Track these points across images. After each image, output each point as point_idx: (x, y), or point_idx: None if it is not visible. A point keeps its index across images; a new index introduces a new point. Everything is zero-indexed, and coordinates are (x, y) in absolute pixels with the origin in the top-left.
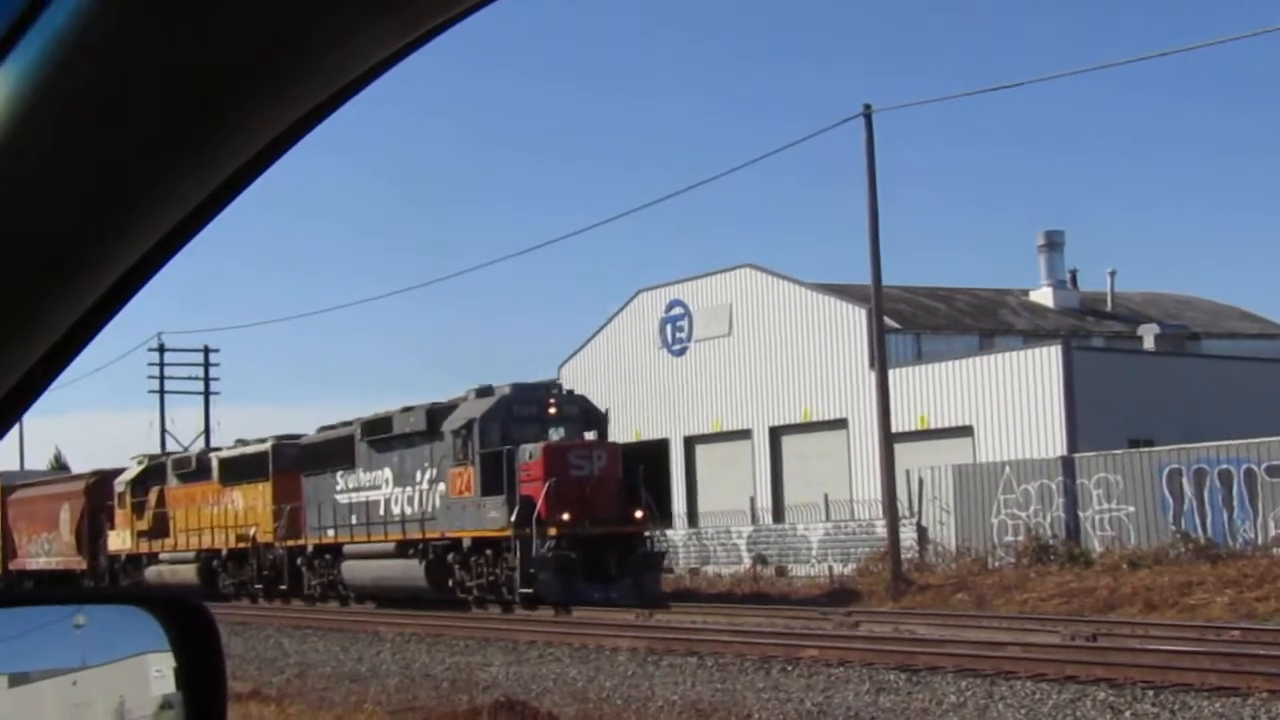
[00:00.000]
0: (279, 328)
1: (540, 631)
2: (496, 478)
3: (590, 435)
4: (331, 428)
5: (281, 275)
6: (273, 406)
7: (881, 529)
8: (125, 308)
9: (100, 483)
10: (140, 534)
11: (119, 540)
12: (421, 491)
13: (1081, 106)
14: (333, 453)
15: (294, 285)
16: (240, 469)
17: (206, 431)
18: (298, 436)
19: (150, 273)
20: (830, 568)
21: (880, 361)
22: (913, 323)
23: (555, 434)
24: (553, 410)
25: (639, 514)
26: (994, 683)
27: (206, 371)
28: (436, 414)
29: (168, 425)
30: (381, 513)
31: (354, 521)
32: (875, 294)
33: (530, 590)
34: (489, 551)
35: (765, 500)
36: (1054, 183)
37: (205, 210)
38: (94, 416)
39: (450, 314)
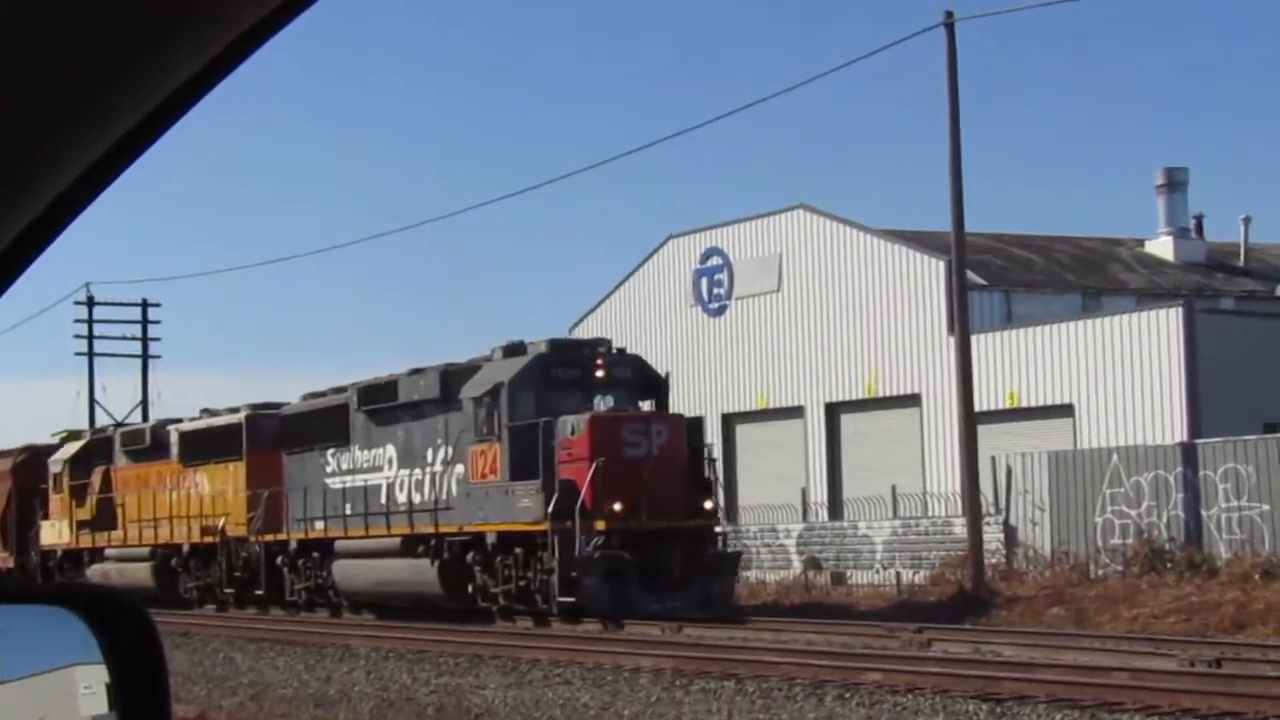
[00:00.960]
0: (234, 278)
1: (545, 648)
2: (529, 457)
3: (646, 405)
4: (320, 395)
5: (240, 215)
6: (227, 373)
7: (960, 528)
8: (44, 253)
9: (31, 461)
10: (81, 524)
11: (54, 533)
12: (434, 474)
13: (1209, 17)
14: (322, 426)
15: (255, 228)
16: (206, 445)
17: (144, 402)
18: (278, 406)
19: (72, 213)
20: (898, 574)
21: (961, 325)
22: (1002, 278)
23: (602, 403)
24: (600, 373)
25: (709, 504)
26: (1095, 715)
27: (145, 330)
28: (453, 377)
29: (98, 394)
30: (383, 501)
31: (349, 511)
32: (956, 242)
33: (572, 599)
34: (519, 550)
35: (819, 492)
36: (1176, 110)
37: (135, 141)
38: (6, 384)
39: (441, 265)
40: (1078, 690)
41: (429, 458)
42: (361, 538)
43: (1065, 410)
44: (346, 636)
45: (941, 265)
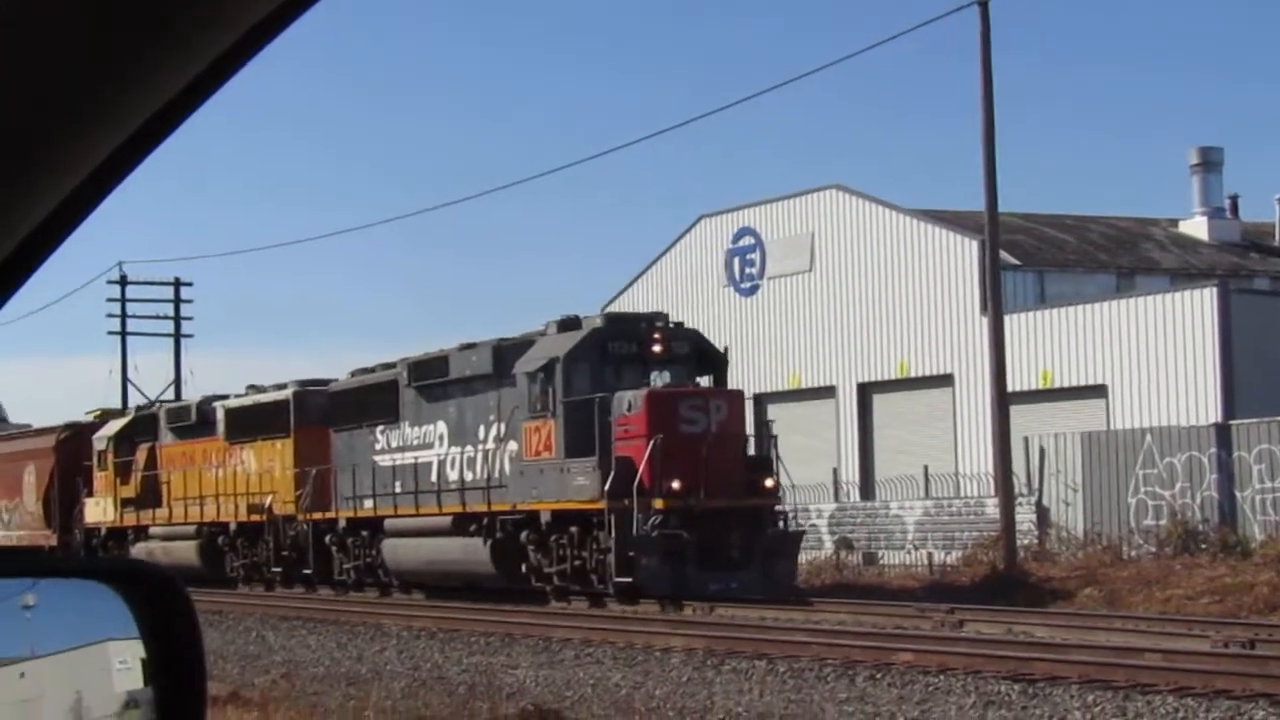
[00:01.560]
0: (266, 258)
1: (577, 627)
2: (585, 434)
3: (704, 381)
4: (369, 371)
5: (271, 197)
6: (259, 353)
7: (993, 509)
8: (77, 230)
9: (75, 438)
10: (125, 502)
11: (98, 510)
12: (486, 452)
13: None
14: (371, 402)
15: (286, 209)
16: (253, 422)
17: (177, 381)
18: (325, 382)
19: (104, 190)
20: (929, 555)
21: (995, 305)
22: (1035, 258)
23: (659, 379)
24: (658, 348)
25: (769, 482)
26: (1128, 697)
27: (177, 309)
28: (506, 352)
29: (130, 374)
30: (434, 478)
31: (398, 489)
32: (990, 221)
33: (629, 579)
34: (574, 529)
35: (851, 472)
36: (1210, 89)
37: (166, 119)
38: (40, 362)
39: (470, 246)
40: (1110, 671)
41: (481, 434)
42: (412, 516)
43: (1098, 391)
44: (379, 615)
45: (975, 245)
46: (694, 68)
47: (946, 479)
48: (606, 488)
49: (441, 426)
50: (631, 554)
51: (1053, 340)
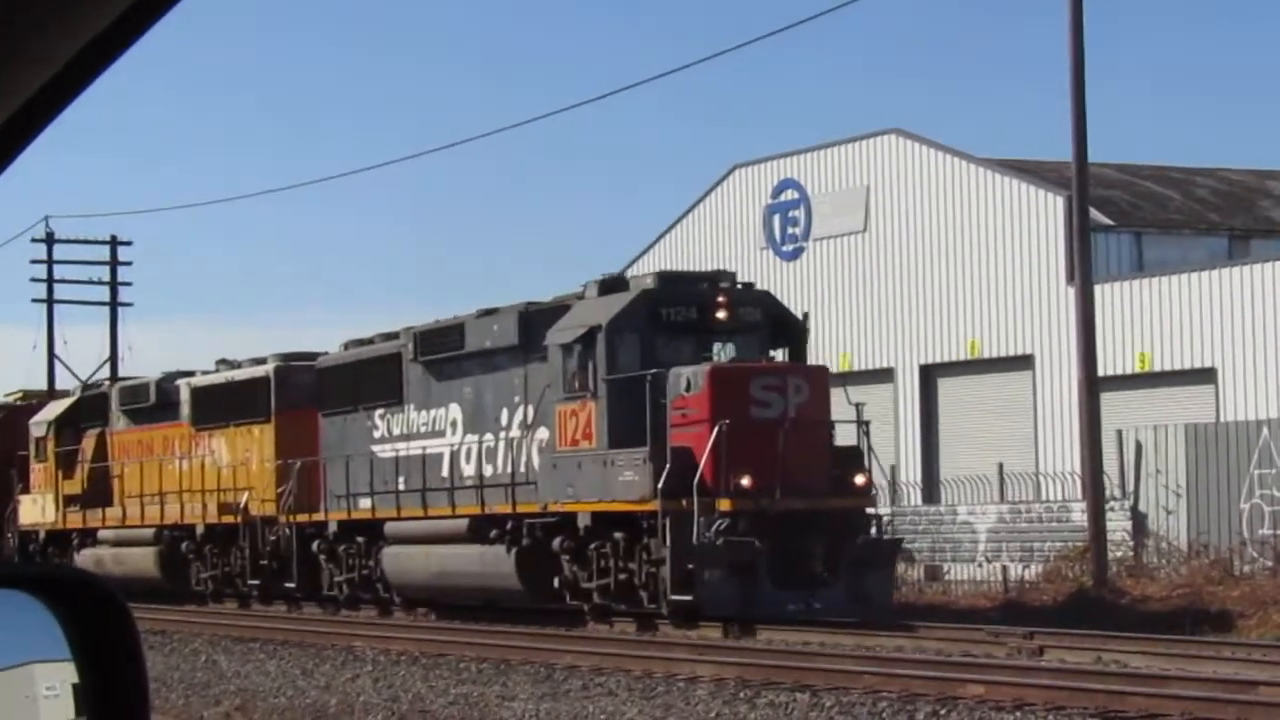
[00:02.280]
0: (221, 212)
1: (587, 652)
2: (634, 419)
3: (777, 355)
4: (365, 342)
5: (230, 144)
6: (213, 325)
7: (1080, 515)
8: None
9: (8, 423)
10: (69, 500)
11: (36, 509)
12: (510, 441)
13: None
14: (368, 380)
15: (248, 153)
16: (225, 404)
17: (113, 358)
18: (312, 356)
19: (28, 133)
20: (1004, 569)
21: (1083, 273)
22: (1132, 217)
23: (722, 352)
24: (722, 314)
25: (860, 479)
26: None
27: (114, 273)
28: (535, 319)
29: (58, 349)
30: (445, 473)
31: (402, 486)
32: (1078, 173)
33: (688, 597)
34: (619, 536)
35: (912, 471)
36: None
37: (99, 51)
38: None
39: (466, 196)
40: (1218, 708)
41: (503, 420)
42: (419, 519)
43: (1206, 375)
44: (350, 637)
45: (1060, 202)
46: None
47: (1025, 479)
48: (660, 485)
49: (455, 410)
50: (691, 566)
51: (1152, 315)
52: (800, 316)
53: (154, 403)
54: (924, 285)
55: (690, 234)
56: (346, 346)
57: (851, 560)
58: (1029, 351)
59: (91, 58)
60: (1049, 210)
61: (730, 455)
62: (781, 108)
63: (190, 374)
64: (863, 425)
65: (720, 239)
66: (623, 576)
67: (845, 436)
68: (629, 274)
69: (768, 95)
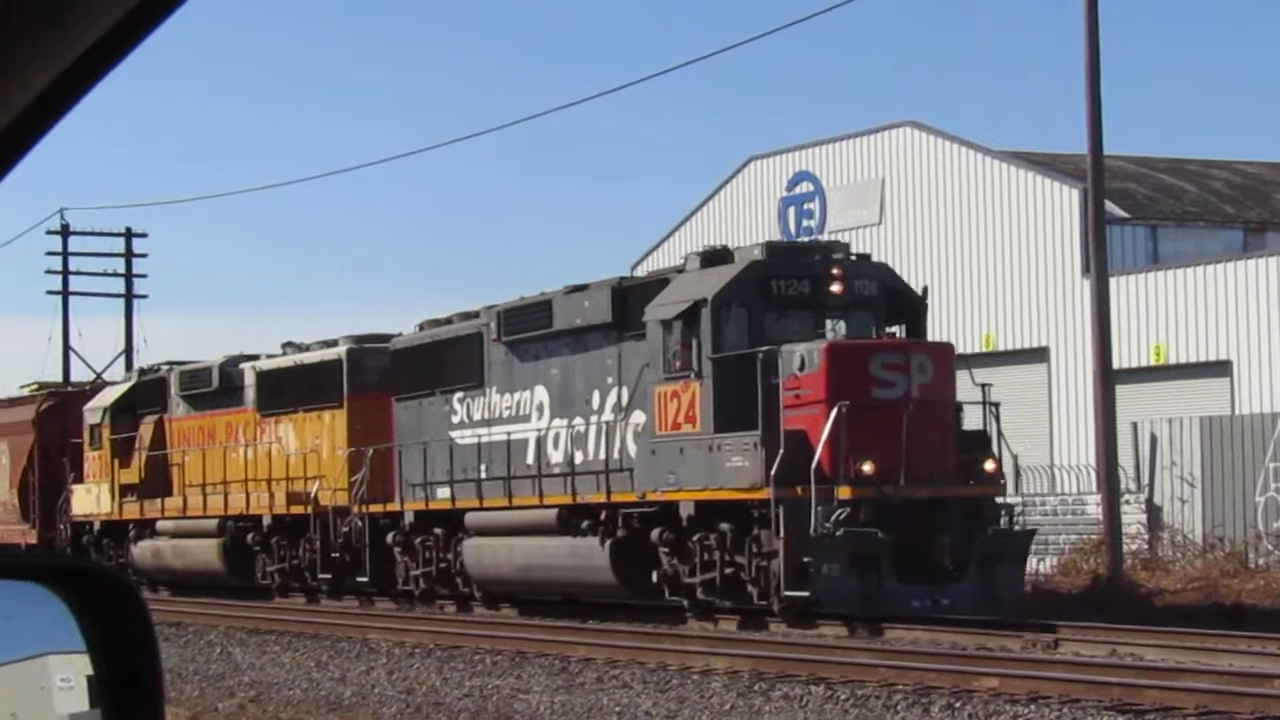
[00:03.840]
0: (237, 204)
1: (601, 644)
2: (743, 400)
3: (894, 333)
4: (443, 322)
5: (244, 132)
6: (229, 317)
7: (1094, 508)
8: (11, 172)
9: (60, 409)
10: (125, 490)
11: (90, 500)
12: (603, 425)
13: None
14: (447, 362)
15: (262, 148)
16: (294, 388)
17: (128, 350)
18: (387, 338)
19: (44, 125)
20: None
21: (1099, 266)
22: (1147, 210)
23: (834, 329)
24: (837, 287)
25: (989, 465)
26: None
27: (129, 265)
28: (631, 294)
29: (73, 341)
30: (531, 460)
31: (483, 474)
32: (1094, 166)
33: (804, 593)
34: (726, 527)
35: None
36: None
37: (105, 53)
38: None
39: (479, 189)
40: (1233, 701)
41: (595, 402)
42: (502, 509)
43: (1221, 368)
44: (365, 629)
45: (1076, 194)
46: None
47: (1039, 472)
48: (773, 472)
49: (541, 393)
50: (807, 559)
51: (1167, 308)
52: (920, 291)
53: (216, 387)
54: (938, 277)
55: (705, 226)
56: (422, 327)
57: (980, 553)
58: (1044, 344)
59: (105, 51)
60: (1064, 203)
61: (850, 439)
62: (797, 100)
63: (254, 357)
64: (991, 407)
65: (735, 230)
66: (728, 571)
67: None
68: (642, 268)
69: (783, 87)
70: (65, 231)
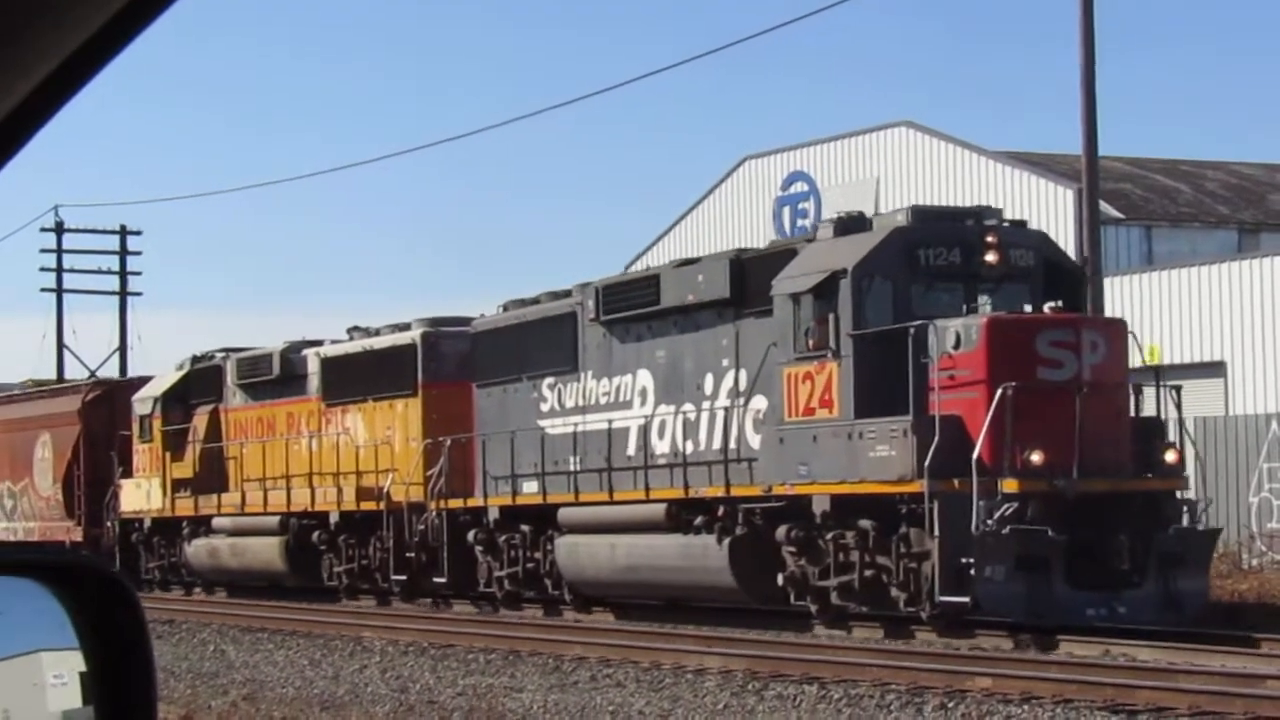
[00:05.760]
0: (232, 201)
1: (595, 643)
2: (885, 383)
3: (1049, 307)
4: (529, 302)
5: (239, 129)
6: (225, 314)
7: None
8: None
9: (107, 399)
10: (178, 484)
11: (140, 495)
12: (719, 411)
13: None
14: (536, 345)
15: (257, 142)
16: (362, 375)
17: (123, 348)
18: (465, 321)
19: (33, 125)
20: None
21: (1093, 265)
22: (1142, 210)
23: (986, 304)
24: (992, 257)
25: (1170, 456)
26: None
27: (124, 262)
28: (752, 267)
29: (67, 339)
30: (632, 450)
31: (577, 465)
32: (1088, 166)
33: (963, 599)
34: (867, 524)
35: None
36: None
37: (99, 48)
38: None
39: (472, 190)
40: (1226, 701)
41: (708, 387)
42: (601, 504)
43: (1215, 369)
44: (359, 628)
45: (1070, 194)
46: None
47: None
48: (927, 462)
49: (645, 377)
50: (966, 560)
51: (1161, 308)
52: (1080, 262)
53: (277, 375)
54: None
55: (700, 225)
56: (505, 307)
57: (1160, 555)
58: None
59: (99, 48)
60: (1059, 203)
61: (1016, 425)
62: (792, 99)
63: (318, 343)
64: (1170, 390)
65: (730, 230)
66: (868, 573)
67: None
68: (639, 265)
69: (778, 87)
70: (60, 229)
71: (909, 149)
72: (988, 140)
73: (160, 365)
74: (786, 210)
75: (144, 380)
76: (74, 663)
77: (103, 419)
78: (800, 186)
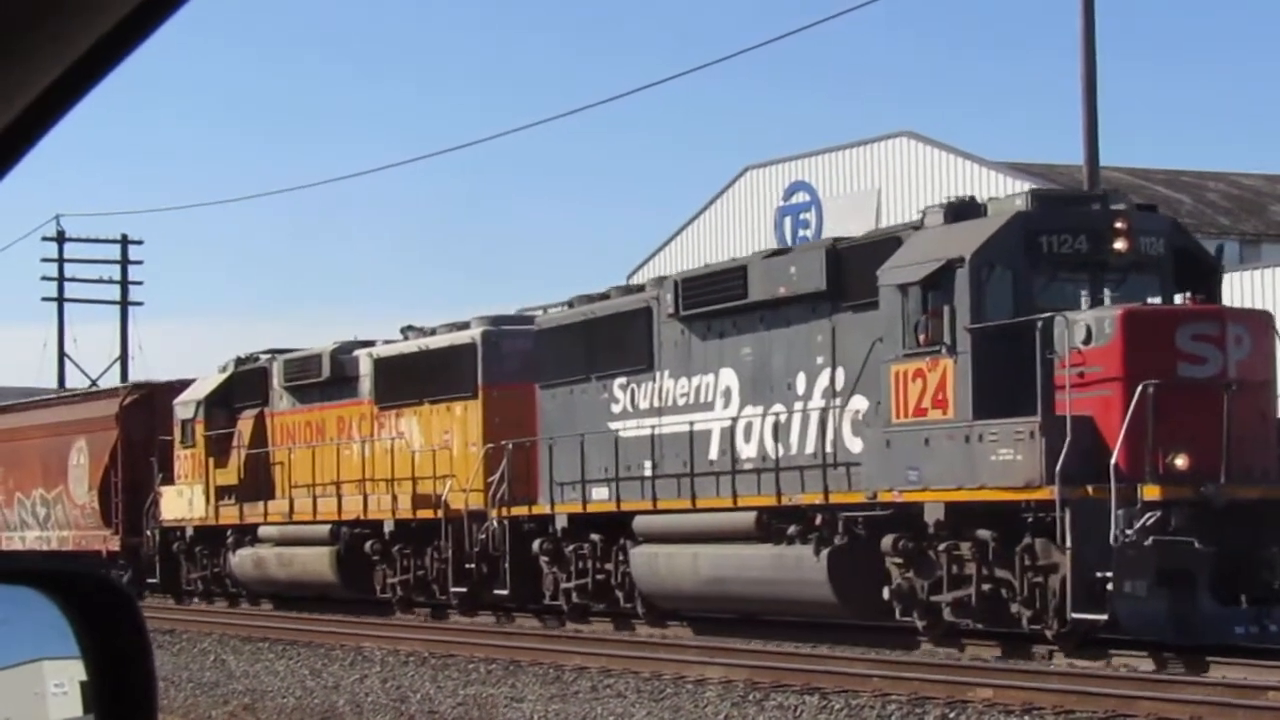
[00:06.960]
0: (233, 211)
1: (595, 654)
2: (1005, 381)
3: (1180, 299)
4: (598, 298)
5: (241, 139)
6: (225, 322)
7: None
8: (4, 179)
9: (146, 403)
10: (222, 491)
11: (181, 502)
12: (813, 413)
13: None
14: (606, 343)
15: (258, 152)
16: (417, 377)
17: (123, 357)
18: (527, 319)
19: (35, 134)
20: None
21: None
22: None
23: (1111, 295)
24: (1121, 244)
25: None
26: None
27: (125, 272)
28: (848, 258)
29: (68, 348)
30: (715, 455)
31: (653, 471)
32: (1089, 177)
33: (1100, 616)
34: (987, 535)
35: None
36: None
37: (100, 57)
38: None
39: (471, 200)
40: (1227, 713)
41: (800, 386)
42: (682, 512)
43: None
44: (359, 638)
45: None
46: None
47: None
48: (1059, 466)
49: (729, 376)
50: (1103, 574)
51: None
52: (1214, 251)
53: (327, 377)
54: None
55: (701, 236)
56: (573, 304)
57: None
58: None
59: (100, 57)
60: None
61: (1157, 427)
62: (793, 109)
63: (370, 343)
64: None
65: (732, 240)
66: (986, 586)
67: None
68: (639, 278)
69: (780, 97)
70: (61, 238)
71: (910, 159)
72: (989, 151)
73: (161, 375)
74: (788, 220)
75: (185, 383)
76: (75, 672)
77: (142, 423)
78: (802, 196)
